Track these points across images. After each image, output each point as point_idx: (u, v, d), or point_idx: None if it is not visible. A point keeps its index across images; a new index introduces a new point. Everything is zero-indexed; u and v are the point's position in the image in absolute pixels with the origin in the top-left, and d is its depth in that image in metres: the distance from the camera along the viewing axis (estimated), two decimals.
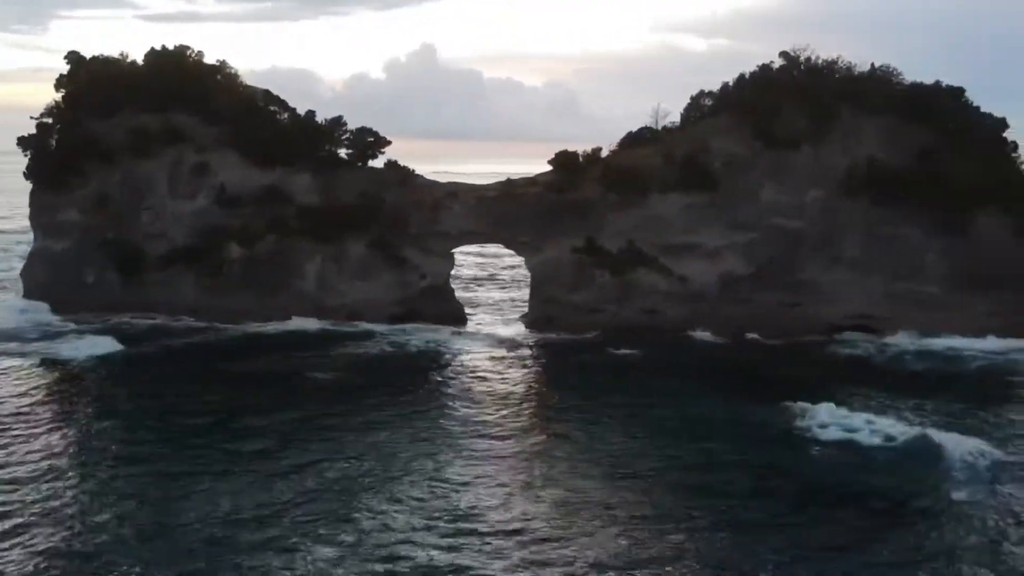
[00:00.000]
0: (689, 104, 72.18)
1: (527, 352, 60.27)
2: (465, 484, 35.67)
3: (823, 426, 43.23)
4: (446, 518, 32.48)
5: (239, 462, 37.58)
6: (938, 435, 41.24)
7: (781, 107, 67.44)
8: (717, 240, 67.39)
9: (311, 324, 64.34)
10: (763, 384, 52.60)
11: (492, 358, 57.95)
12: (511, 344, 61.74)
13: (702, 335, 65.17)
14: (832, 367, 57.82)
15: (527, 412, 46.27)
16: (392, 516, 32.55)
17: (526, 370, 55.71)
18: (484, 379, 52.62)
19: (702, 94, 71.87)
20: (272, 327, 63.59)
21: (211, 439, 40.44)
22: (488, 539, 30.84)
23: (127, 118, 70.49)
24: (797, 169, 67.05)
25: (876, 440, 41.60)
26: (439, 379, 52.86)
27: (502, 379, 52.71)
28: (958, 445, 39.94)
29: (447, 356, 58.30)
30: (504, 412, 45.73)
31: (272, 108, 71.81)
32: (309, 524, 31.69)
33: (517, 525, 31.98)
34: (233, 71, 73.59)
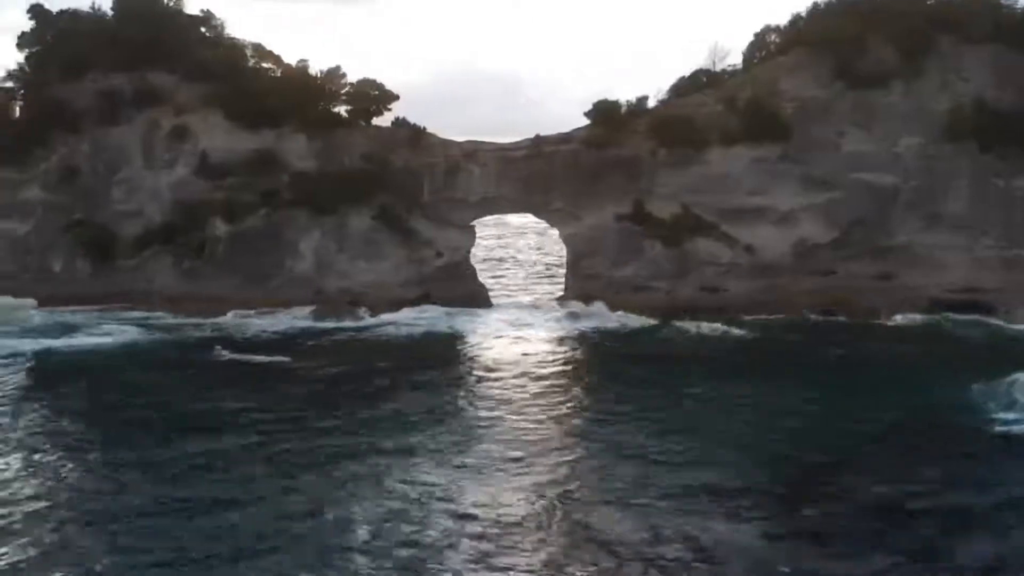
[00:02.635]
0: (752, 41, 60.86)
1: (564, 337, 49.43)
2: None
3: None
4: None
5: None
6: None
7: (865, 38, 55.76)
8: (790, 201, 56.25)
9: (303, 318, 53.73)
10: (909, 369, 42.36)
11: (521, 345, 47.34)
12: (547, 329, 51.10)
13: (775, 316, 53.96)
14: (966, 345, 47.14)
15: (569, 413, 35.58)
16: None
17: (564, 362, 44.79)
18: (518, 376, 41.71)
19: (768, 29, 60.53)
20: (260, 321, 53.21)
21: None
22: None
23: (96, 79, 60.84)
24: (887, 113, 55.43)
25: None
26: (459, 381, 41.87)
27: (537, 374, 41.98)
28: None
29: (467, 348, 47.71)
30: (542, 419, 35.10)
31: (264, 65, 61.61)
32: None
33: None
34: (218, 23, 63.58)
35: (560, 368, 43.17)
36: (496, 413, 35.42)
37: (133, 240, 59.30)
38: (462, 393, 38.82)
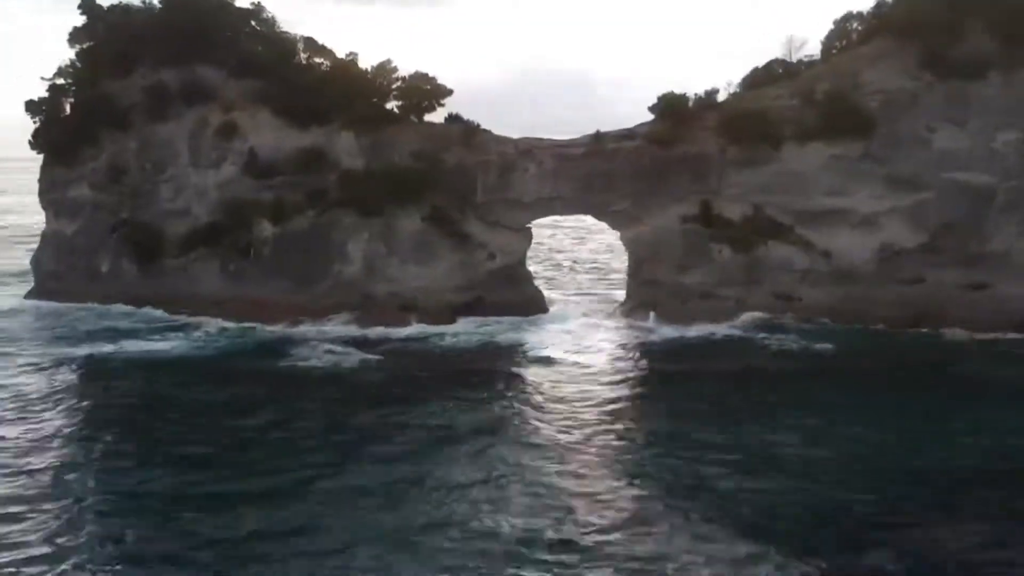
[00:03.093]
0: (832, 29, 56.25)
1: (626, 350, 45.93)
2: None
3: None
4: None
5: None
6: None
7: (959, 24, 50.82)
8: (874, 202, 51.81)
9: (349, 324, 51.33)
10: None
11: (582, 359, 44.07)
12: (608, 340, 47.70)
13: (854, 327, 49.72)
14: None
15: (640, 444, 32.24)
16: None
17: (627, 381, 41.32)
18: (581, 401, 38.31)
19: (849, 16, 55.81)
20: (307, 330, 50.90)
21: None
22: None
23: (145, 75, 59.27)
24: (982, 106, 50.49)
25: None
26: (517, 407, 38.08)
27: (600, 397, 38.67)
28: None
29: (524, 365, 44.39)
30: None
31: (316, 60, 59.23)
32: None
33: None
34: (269, 17, 61.37)
35: (623, 391, 39.61)
36: (564, 450, 31.88)
37: (179, 240, 57.60)
38: (523, 424, 35.51)
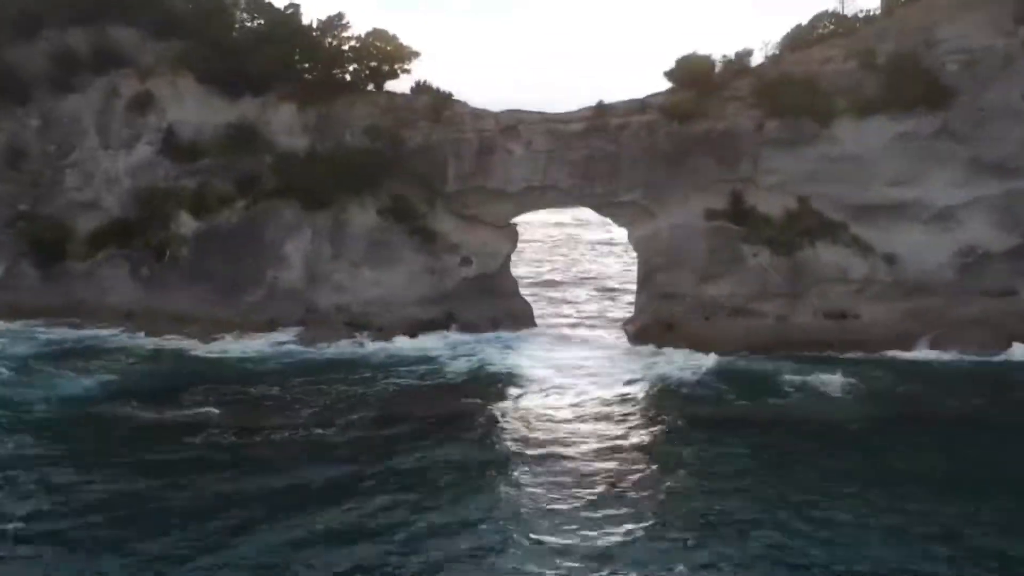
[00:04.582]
0: None
1: (631, 386, 34.75)
2: None
3: None
4: None
5: None
6: None
7: None
8: (951, 193, 40.87)
9: (287, 344, 40.62)
10: None
11: (573, 398, 33.00)
12: (609, 371, 36.59)
13: (926, 353, 38.59)
14: None
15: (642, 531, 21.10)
16: None
17: (630, 428, 30.10)
18: (568, 455, 27.29)
19: None
20: (229, 347, 40.19)
21: None
22: None
23: (51, 38, 48.50)
24: None
25: None
26: (489, 450, 27.91)
27: (593, 449, 27.55)
28: None
29: (499, 401, 33.39)
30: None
31: (252, 15, 48.30)
32: None
33: None
34: None
35: (625, 441, 28.52)
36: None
37: (87, 239, 46.86)
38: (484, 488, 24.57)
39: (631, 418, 30.84)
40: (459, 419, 30.26)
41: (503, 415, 31.14)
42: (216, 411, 30.79)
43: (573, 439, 28.43)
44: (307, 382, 34.48)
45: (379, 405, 32.06)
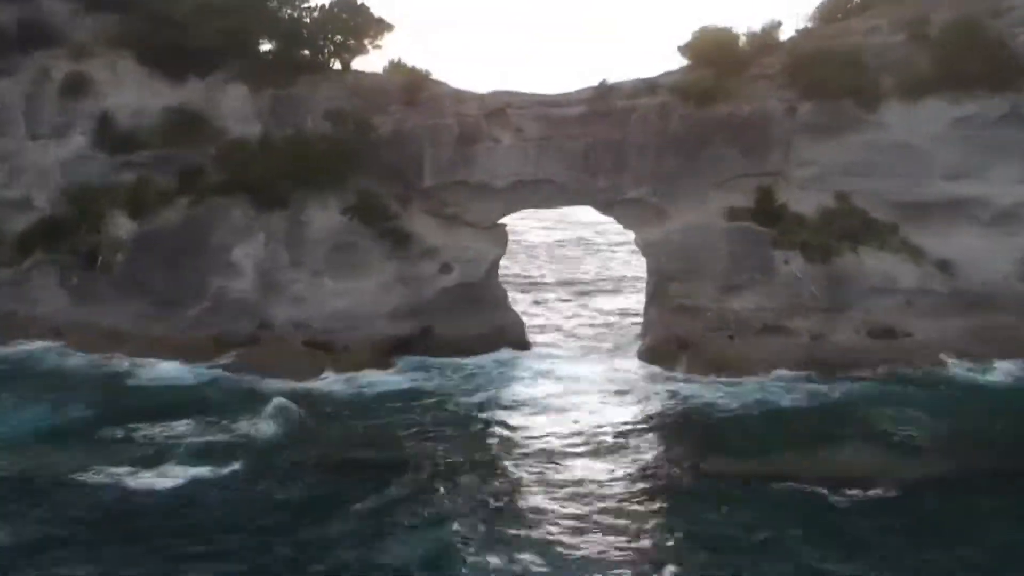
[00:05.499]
0: None
1: (638, 422, 28.39)
2: None
3: None
4: None
5: None
6: None
7: None
8: (1019, 190, 34.76)
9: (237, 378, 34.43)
10: None
11: (572, 441, 26.70)
12: (612, 403, 30.23)
13: (989, 376, 32.20)
14: None
15: None
16: None
17: (638, 490, 23.76)
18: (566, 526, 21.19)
19: None
20: (160, 372, 34.02)
21: None
22: None
23: None
24: None
25: None
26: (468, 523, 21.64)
27: (594, 513, 21.34)
28: None
29: (484, 439, 27.22)
30: None
31: None
32: None
33: None
34: None
35: (630, 505, 22.23)
36: None
37: (16, 242, 40.72)
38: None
39: (641, 482, 24.22)
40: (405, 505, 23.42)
41: (499, 456, 24.84)
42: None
43: (564, 515, 21.96)
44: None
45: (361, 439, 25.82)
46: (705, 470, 24.27)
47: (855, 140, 35.03)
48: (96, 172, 39.58)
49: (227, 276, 37.00)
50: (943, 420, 27.92)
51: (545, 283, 52.12)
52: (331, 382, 33.01)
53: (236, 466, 24.56)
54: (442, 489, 23.23)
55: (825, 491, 22.67)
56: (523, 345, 36.89)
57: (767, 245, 34.66)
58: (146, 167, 38.78)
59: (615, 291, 49.70)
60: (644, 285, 38.99)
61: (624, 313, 42.93)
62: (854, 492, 22.66)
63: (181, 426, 27.72)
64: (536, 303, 46.09)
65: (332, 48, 38.44)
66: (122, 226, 38.17)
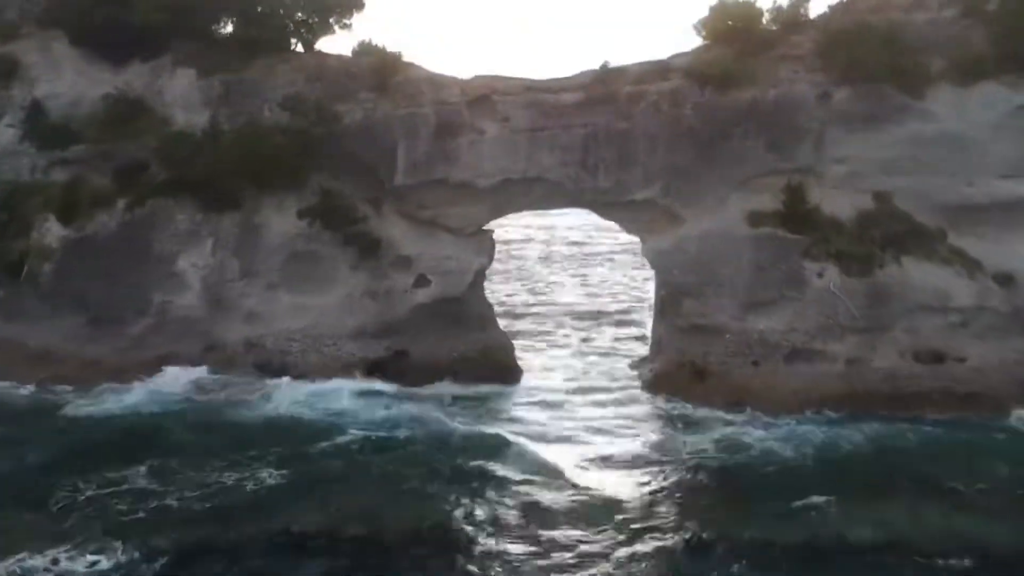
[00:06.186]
0: None
1: (646, 473, 23.37)
2: None
3: None
4: None
5: None
6: None
7: None
8: None
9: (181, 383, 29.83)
10: None
11: (571, 484, 21.83)
12: (616, 443, 25.26)
13: None
14: None
15: None
16: None
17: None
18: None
19: None
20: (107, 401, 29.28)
21: None
22: None
23: None
24: None
25: None
26: None
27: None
28: None
29: (466, 495, 22.31)
30: None
31: None
32: None
33: None
34: None
35: None
36: None
37: None
38: None
39: (643, 535, 19.32)
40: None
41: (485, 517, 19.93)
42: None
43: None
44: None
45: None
46: (747, 540, 19.22)
47: (898, 131, 30.03)
48: (25, 168, 34.75)
49: (171, 289, 32.14)
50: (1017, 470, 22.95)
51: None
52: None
53: None
54: None
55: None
56: (512, 373, 31.82)
57: (797, 255, 29.63)
58: (81, 163, 33.94)
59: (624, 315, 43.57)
60: (651, 302, 33.99)
61: (625, 338, 37.76)
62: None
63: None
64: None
65: (292, 27, 33.46)
66: (52, 232, 33.23)
